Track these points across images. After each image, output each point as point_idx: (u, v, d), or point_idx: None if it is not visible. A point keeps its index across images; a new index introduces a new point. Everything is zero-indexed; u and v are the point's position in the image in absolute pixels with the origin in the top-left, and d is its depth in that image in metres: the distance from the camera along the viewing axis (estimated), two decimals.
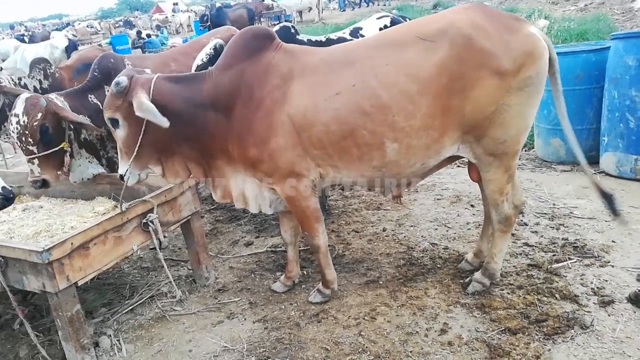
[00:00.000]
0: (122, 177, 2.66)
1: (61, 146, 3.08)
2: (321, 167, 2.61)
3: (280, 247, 3.72)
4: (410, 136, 2.44)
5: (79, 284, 2.52)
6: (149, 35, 23.21)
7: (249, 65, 2.55)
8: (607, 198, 2.66)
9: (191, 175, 2.81)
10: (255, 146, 2.54)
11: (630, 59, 3.97)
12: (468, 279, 2.94)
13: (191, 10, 33.74)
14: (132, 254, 2.84)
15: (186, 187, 3.08)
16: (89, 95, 3.42)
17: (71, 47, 12.90)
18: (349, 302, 2.91)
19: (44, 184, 3.02)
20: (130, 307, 3.13)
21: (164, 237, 3.77)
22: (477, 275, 2.87)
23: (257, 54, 2.57)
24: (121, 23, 36.58)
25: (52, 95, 3.15)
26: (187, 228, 3.20)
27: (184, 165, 2.73)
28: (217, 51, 3.24)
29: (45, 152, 2.98)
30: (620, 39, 4.15)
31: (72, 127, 3.21)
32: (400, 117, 2.40)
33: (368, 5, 27.59)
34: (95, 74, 3.51)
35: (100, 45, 16.91)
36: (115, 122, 2.56)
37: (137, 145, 2.54)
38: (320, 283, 2.98)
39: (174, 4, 41.61)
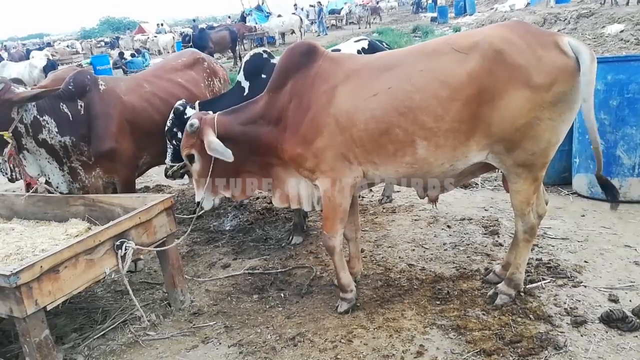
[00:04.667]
0: (198, 204, 3.15)
1: (1, 133, 3.20)
2: (362, 165, 2.80)
3: (258, 269, 3.69)
4: (439, 136, 2.59)
5: (48, 308, 2.46)
6: (133, 55, 23.20)
7: (298, 78, 2.85)
8: (606, 184, 2.80)
9: (256, 190, 3.23)
10: (301, 145, 2.80)
11: (599, 83, 4.10)
12: (491, 292, 2.95)
13: (174, 30, 33.83)
14: (104, 278, 2.78)
15: (161, 208, 3.05)
16: (61, 103, 3.53)
17: (49, 67, 12.85)
18: (325, 324, 2.89)
19: None
20: (102, 332, 3.05)
21: (140, 259, 3.75)
22: (502, 287, 2.91)
23: (305, 66, 2.86)
24: (103, 43, 36.49)
25: (20, 88, 3.27)
26: (162, 250, 3.16)
27: (249, 183, 3.15)
28: (178, 116, 3.65)
29: None
30: None
31: (28, 125, 3.36)
32: (430, 118, 2.57)
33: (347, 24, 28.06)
34: (70, 87, 3.61)
35: (80, 65, 16.80)
36: (192, 158, 3.04)
37: (209, 173, 2.99)
38: (340, 291, 3.04)
39: (158, 24, 41.73)
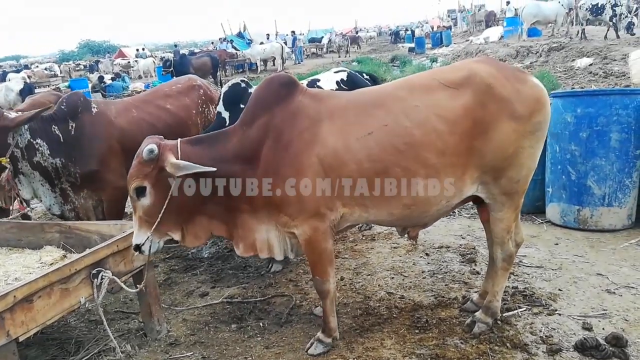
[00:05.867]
0: (138, 247, 2.67)
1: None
2: (347, 207, 2.66)
3: (237, 298, 3.65)
4: (439, 173, 2.58)
5: (20, 339, 2.38)
6: (113, 79, 23.14)
7: (277, 111, 2.64)
8: None
9: (212, 236, 2.85)
10: (282, 187, 2.58)
11: (569, 116, 4.28)
12: (469, 320, 2.97)
13: (155, 55, 33.89)
14: (79, 307, 2.72)
15: None
16: (53, 125, 3.61)
17: (26, 91, 12.69)
18: (305, 354, 2.86)
19: None
20: None
21: (112, 291, 3.68)
22: (480, 315, 2.93)
23: (284, 100, 2.66)
24: (82, 66, 36.26)
25: (12, 113, 3.32)
26: (140, 279, 3.11)
27: (205, 226, 2.77)
28: None
29: None
30: (559, 97, 4.48)
31: (23, 149, 3.45)
32: (432, 154, 2.55)
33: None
34: (63, 107, 3.71)
35: (58, 88, 16.65)
36: (141, 191, 2.60)
37: (162, 211, 2.58)
38: (321, 331, 2.89)
39: (138, 49, 41.75)
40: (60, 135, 3.61)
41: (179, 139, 2.69)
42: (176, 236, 2.72)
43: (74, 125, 3.67)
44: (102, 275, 2.71)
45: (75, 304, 2.65)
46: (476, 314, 2.98)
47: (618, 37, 16.36)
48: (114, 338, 2.86)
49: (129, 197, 2.72)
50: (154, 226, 2.61)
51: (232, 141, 2.67)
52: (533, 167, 2.71)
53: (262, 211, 2.69)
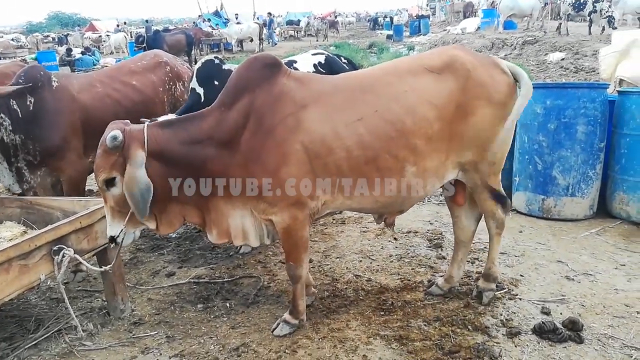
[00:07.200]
0: (112, 239, 2.54)
1: None
2: (330, 195, 2.59)
3: (204, 278, 3.62)
4: (426, 159, 2.60)
5: None
6: (83, 53, 22.40)
7: (259, 93, 2.50)
8: None
9: (185, 222, 2.74)
10: (262, 175, 2.48)
11: (539, 107, 4.35)
12: (475, 292, 3.12)
13: (126, 30, 32.88)
14: (39, 284, 2.65)
15: (104, 213, 2.94)
16: (11, 100, 3.40)
17: None
18: (270, 335, 2.87)
19: None
20: (34, 342, 2.89)
21: (81, 271, 3.60)
22: (484, 284, 3.08)
23: (268, 81, 2.53)
24: (50, 38, 34.94)
25: None
26: (103, 257, 3.04)
27: (178, 213, 2.64)
28: None
29: None
30: None
31: None
32: (421, 140, 2.56)
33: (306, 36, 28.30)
34: (21, 81, 3.49)
35: (24, 60, 16.03)
36: (110, 182, 2.44)
37: None
38: (288, 313, 2.87)
39: (119, 24, 40.22)
40: (19, 111, 3.41)
41: (146, 123, 2.55)
42: (151, 225, 2.61)
43: (32, 100, 3.47)
44: (63, 253, 2.64)
45: (35, 281, 2.59)
46: (478, 283, 3.12)
47: (590, 33, 16.71)
48: (76, 316, 2.81)
49: (97, 187, 2.59)
50: (128, 216, 2.49)
51: (208, 122, 2.53)
52: (507, 150, 2.84)
53: (238, 197, 2.59)
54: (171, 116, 3.37)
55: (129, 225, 2.53)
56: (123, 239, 2.55)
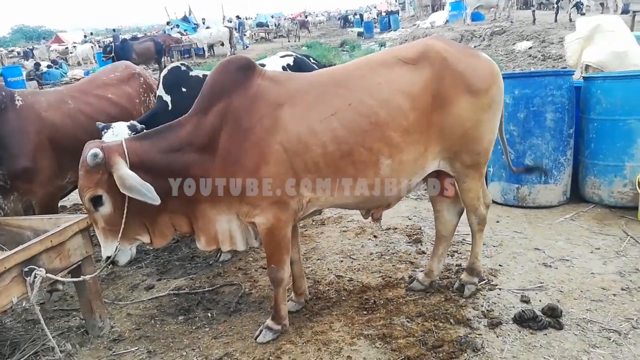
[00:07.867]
0: (109, 259, 2.55)
1: None
2: (313, 192, 2.59)
3: (184, 289, 3.57)
4: (402, 151, 2.58)
5: None
6: (49, 67, 21.92)
7: (235, 96, 2.51)
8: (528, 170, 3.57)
9: (176, 232, 2.75)
10: (243, 177, 2.48)
11: (508, 97, 4.41)
12: (457, 284, 3.14)
13: (93, 41, 32.27)
14: (11, 307, 2.57)
15: (76, 230, 2.87)
16: None
17: None
18: (254, 342, 2.84)
19: None
20: None
21: (57, 289, 3.51)
22: (466, 278, 3.11)
23: (242, 84, 2.53)
24: (15, 53, 34.11)
25: None
26: (78, 275, 2.97)
27: (168, 222, 2.66)
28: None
29: None
30: None
31: None
32: (396, 132, 2.53)
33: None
34: None
35: None
36: (97, 201, 2.46)
37: (125, 215, 2.46)
38: (270, 319, 2.85)
39: (86, 35, 39.38)
40: None
41: (123, 138, 2.57)
42: (145, 238, 2.62)
43: None
44: (35, 273, 2.57)
45: (7, 304, 2.51)
46: (462, 276, 3.15)
47: (556, 20, 17.04)
48: (53, 337, 2.73)
49: (85, 208, 2.58)
50: (120, 233, 2.50)
51: (187, 129, 2.54)
52: (493, 139, 2.83)
53: (222, 201, 2.59)
54: (134, 123, 3.32)
55: (124, 240, 2.55)
56: (119, 257, 2.58)
